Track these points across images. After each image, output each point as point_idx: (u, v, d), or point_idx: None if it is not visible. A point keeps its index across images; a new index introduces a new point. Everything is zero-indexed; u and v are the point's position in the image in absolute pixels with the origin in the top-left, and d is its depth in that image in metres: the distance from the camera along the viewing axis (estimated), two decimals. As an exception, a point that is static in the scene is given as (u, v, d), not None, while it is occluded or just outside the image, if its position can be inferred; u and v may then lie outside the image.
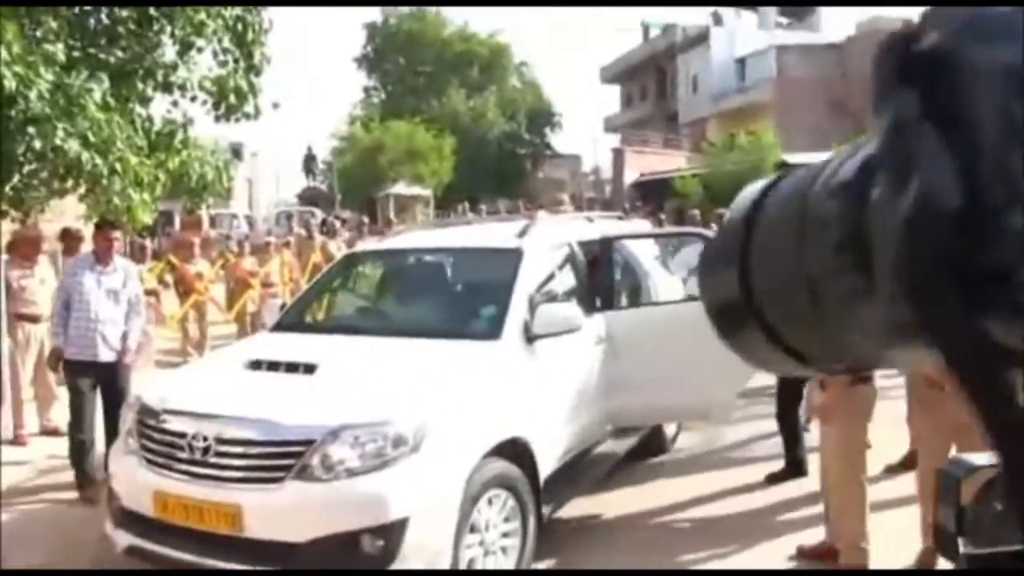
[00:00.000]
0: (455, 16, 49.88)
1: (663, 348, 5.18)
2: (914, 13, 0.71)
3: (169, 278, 11.04)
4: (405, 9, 48.47)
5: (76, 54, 6.45)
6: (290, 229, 14.68)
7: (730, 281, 0.84)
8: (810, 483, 5.41)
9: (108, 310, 5.81)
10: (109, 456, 4.56)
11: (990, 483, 0.97)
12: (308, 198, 39.23)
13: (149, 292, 9.70)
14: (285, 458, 3.75)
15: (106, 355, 5.77)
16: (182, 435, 3.95)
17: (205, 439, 3.87)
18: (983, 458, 1.08)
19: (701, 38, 42.93)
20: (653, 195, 29.03)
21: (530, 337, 4.62)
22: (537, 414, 4.51)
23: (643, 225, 7.77)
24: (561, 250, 5.46)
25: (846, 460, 4.37)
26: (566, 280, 5.37)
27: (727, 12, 44.86)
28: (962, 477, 0.99)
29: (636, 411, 5.42)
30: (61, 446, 6.17)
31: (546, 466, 4.56)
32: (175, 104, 7.18)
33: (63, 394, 6.24)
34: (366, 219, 17.58)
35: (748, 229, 0.85)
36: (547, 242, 5.38)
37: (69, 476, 5.86)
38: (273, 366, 4.40)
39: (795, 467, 5.92)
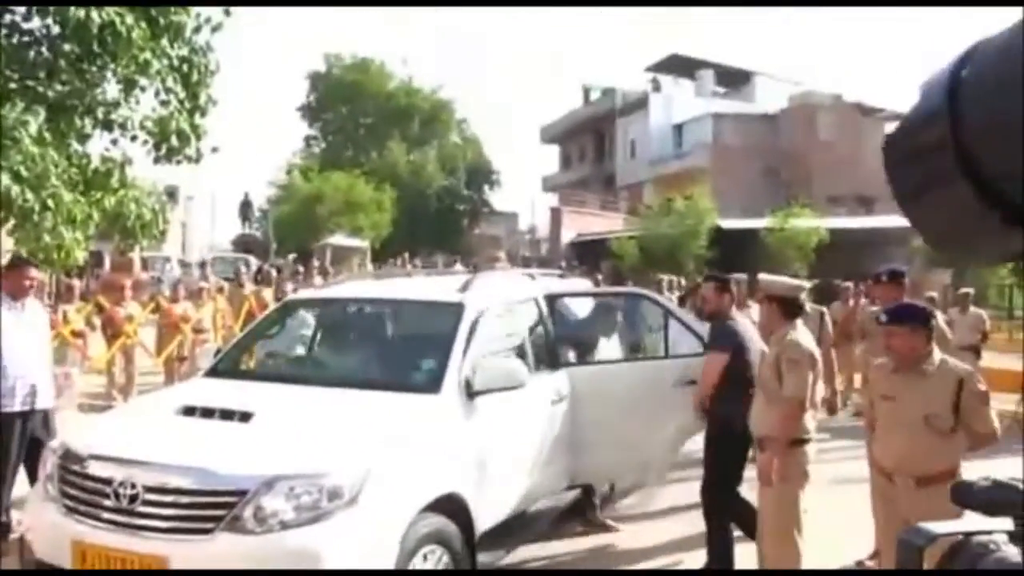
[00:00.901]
0: (399, 70, 50.26)
1: (608, 407, 5.27)
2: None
3: (97, 320, 10.74)
4: (348, 60, 48.81)
5: (12, 85, 6.34)
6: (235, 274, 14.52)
7: (937, 133, 0.74)
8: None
9: (28, 353, 5.58)
10: (25, 504, 4.38)
11: (953, 550, 0.98)
12: (243, 245, 38.77)
13: (76, 334, 9.43)
14: (216, 508, 3.65)
15: (31, 401, 5.54)
16: (108, 482, 3.81)
17: (133, 486, 3.74)
18: (943, 526, 1.10)
19: (640, 103, 44.16)
20: (589, 255, 29.45)
21: (471, 392, 4.62)
22: (476, 471, 4.48)
23: (583, 284, 7.86)
24: (504, 306, 5.50)
25: (781, 519, 4.43)
26: (509, 336, 5.40)
27: (666, 79, 46.31)
28: (923, 545, 1.00)
29: (582, 470, 5.54)
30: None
31: (483, 522, 4.52)
32: (114, 142, 7.10)
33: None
34: (302, 268, 17.40)
35: (954, 81, 0.75)
36: (489, 297, 5.41)
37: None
38: (207, 413, 4.30)
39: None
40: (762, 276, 5.04)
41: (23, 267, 5.60)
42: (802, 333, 4.63)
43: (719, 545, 5.18)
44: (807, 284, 5.08)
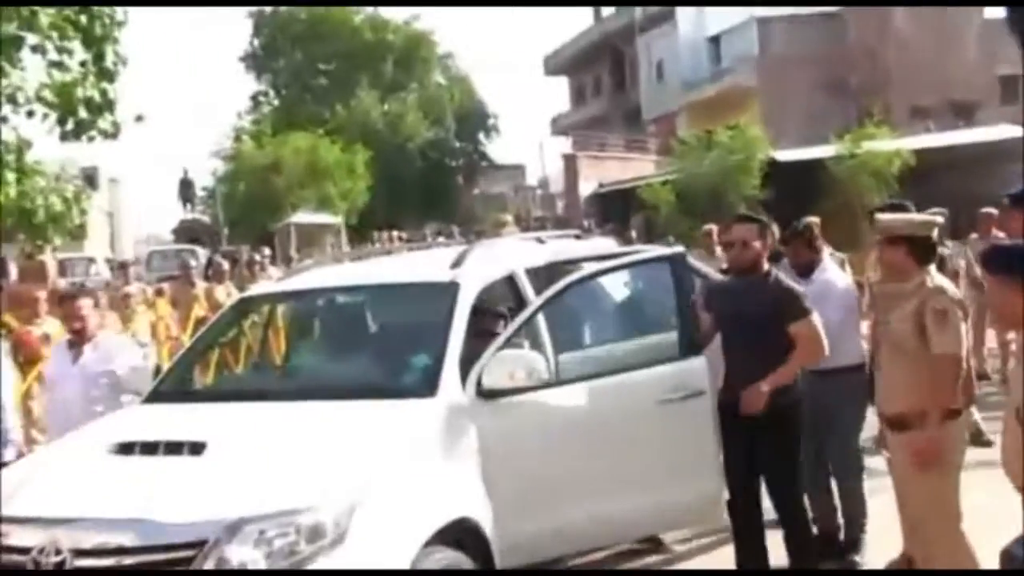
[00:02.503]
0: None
1: (639, 431, 5.02)
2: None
3: (5, 345, 10.71)
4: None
5: None
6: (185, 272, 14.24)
7: None
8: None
9: None
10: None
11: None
12: (187, 234, 38.82)
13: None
14: (170, 567, 3.64)
15: None
16: (25, 550, 3.77)
17: (59, 552, 3.70)
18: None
19: (665, 15, 43.86)
20: (616, 208, 29.37)
21: (484, 392, 4.59)
22: (496, 490, 4.47)
23: (607, 246, 7.77)
24: (508, 281, 5.45)
25: (945, 512, 4.52)
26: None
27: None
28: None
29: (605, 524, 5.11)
30: None
31: (508, 558, 4.49)
32: (3, 120, 7.02)
33: None
34: (268, 252, 17.35)
35: None
36: (491, 272, 5.37)
37: None
38: (149, 448, 4.30)
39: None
40: (881, 216, 4.97)
41: None
42: (941, 279, 4.72)
43: (808, 550, 5.19)
44: (940, 218, 4.90)
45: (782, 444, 5.09)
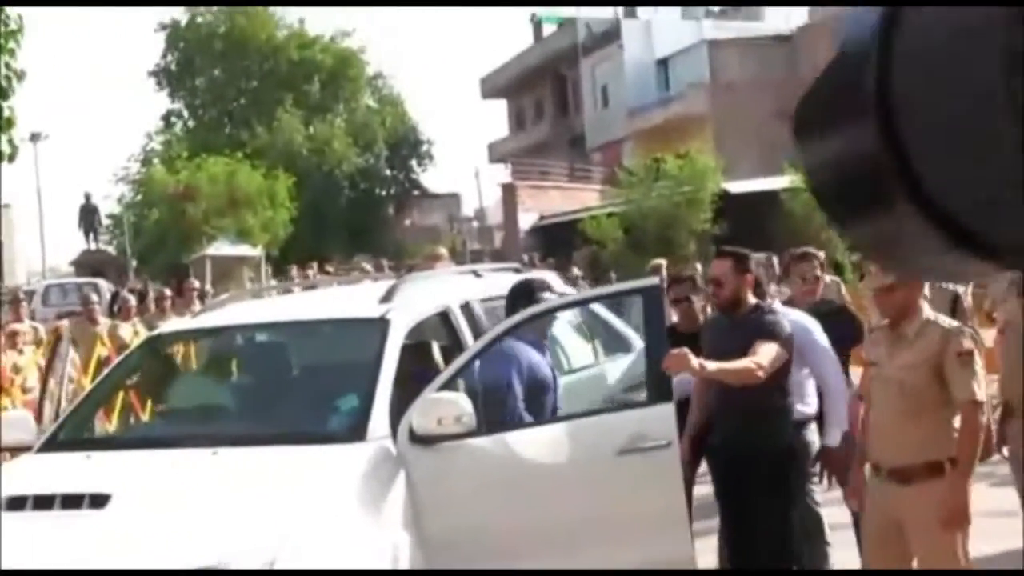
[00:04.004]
0: (286, 14, 49.83)
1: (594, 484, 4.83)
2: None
3: None
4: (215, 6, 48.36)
5: None
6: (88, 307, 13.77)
7: (863, 136, 0.74)
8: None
9: None
10: None
11: None
12: (90, 266, 38.21)
13: None
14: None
15: None
16: None
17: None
18: None
19: (610, 35, 44.38)
20: (559, 243, 29.51)
21: (418, 438, 4.55)
22: (426, 541, 4.45)
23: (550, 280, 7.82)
24: (442, 317, 5.46)
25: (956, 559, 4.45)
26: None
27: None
28: None
29: None
30: None
31: None
32: None
33: None
34: (196, 284, 17.09)
35: (884, 53, 0.73)
36: (422, 307, 5.38)
37: None
38: (43, 502, 4.21)
39: None
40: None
41: None
42: (944, 317, 4.81)
43: None
44: None
45: (774, 492, 5.03)
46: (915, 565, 4.61)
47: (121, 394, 6.63)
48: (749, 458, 5.00)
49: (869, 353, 4.75)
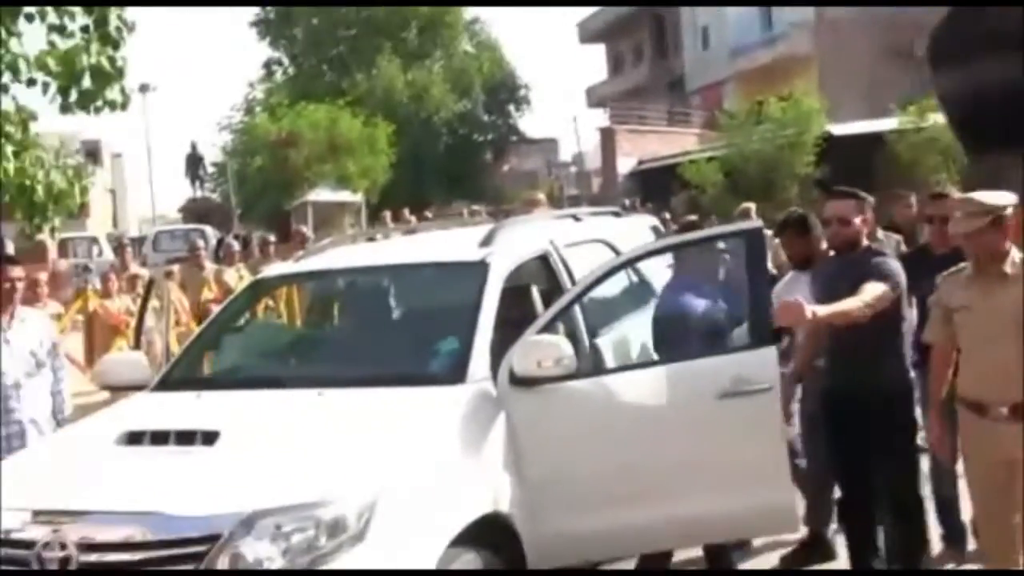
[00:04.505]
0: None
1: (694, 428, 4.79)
2: None
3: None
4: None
5: None
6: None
7: (1009, 68, 0.75)
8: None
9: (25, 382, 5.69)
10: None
11: None
12: (196, 213, 39.14)
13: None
14: (181, 562, 3.68)
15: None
16: (29, 544, 3.82)
17: (63, 547, 3.74)
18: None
19: (711, -23, 43.51)
20: (657, 187, 29.26)
21: (517, 380, 4.59)
22: (529, 485, 4.48)
23: (649, 225, 7.77)
24: (542, 260, 5.48)
25: None
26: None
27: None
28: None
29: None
30: None
31: (542, 558, 4.50)
32: (4, 90, 7.07)
33: None
34: (272, 238, 17.36)
35: None
36: (521, 251, 5.40)
37: None
38: (158, 438, 4.34)
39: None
40: (959, 195, 4.93)
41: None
42: None
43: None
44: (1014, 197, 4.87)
45: (898, 432, 5.10)
46: None
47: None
48: (865, 399, 5.01)
49: (953, 298, 4.64)
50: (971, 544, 5.52)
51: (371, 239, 7.25)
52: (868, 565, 5.23)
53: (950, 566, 5.63)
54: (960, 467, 5.08)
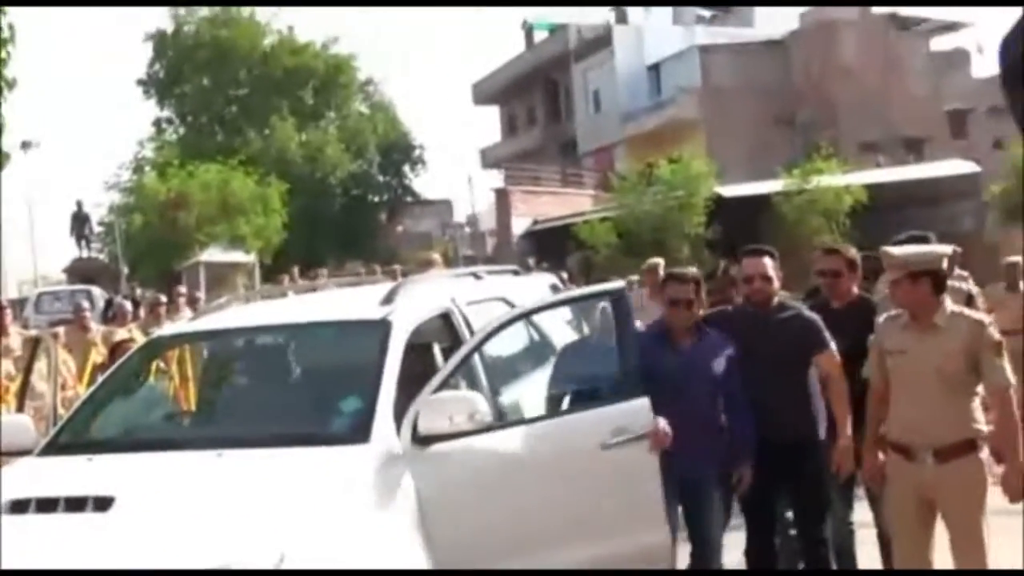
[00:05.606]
0: (275, 21, 49.63)
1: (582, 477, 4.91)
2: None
3: None
4: (204, 10, 48.20)
5: None
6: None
7: None
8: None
9: None
10: None
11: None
12: (82, 273, 38.09)
13: None
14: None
15: None
16: None
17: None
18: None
19: (602, 41, 44.46)
20: (551, 248, 29.50)
21: (422, 438, 4.57)
22: (432, 540, 4.45)
23: (548, 284, 7.80)
24: (443, 319, 5.47)
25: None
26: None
27: (633, 8, 46.64)
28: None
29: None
30: None
31: None
32: None
33: None
34: (183, 291, 17.02)
35: None
36: (423, 309, 5.38)
37: None
38: (45, 505, 4.18)
39: None
40: (890, 249, 5.12)
41: None
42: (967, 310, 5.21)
43: None
44: (949, 249, 5.30)
45: (815, 475, 5.44)
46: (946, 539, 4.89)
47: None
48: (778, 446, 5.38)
49: (890, 342, 4.95)
50: None
51: (267, 298, 7.18)
52: None
53: None
54: None
